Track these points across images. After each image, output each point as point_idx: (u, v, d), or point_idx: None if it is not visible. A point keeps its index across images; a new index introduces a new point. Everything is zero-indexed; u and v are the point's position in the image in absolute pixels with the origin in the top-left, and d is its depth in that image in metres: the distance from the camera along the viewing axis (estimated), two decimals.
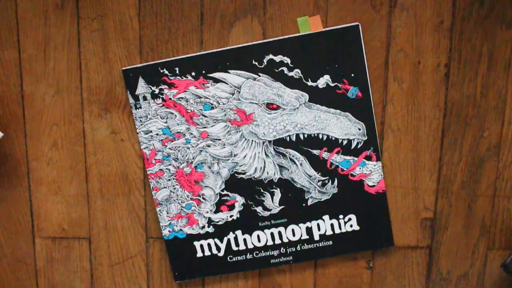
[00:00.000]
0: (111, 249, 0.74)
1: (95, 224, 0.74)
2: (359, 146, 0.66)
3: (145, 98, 0.65)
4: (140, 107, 0.65)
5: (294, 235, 0.69)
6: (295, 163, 0.66)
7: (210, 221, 0.68)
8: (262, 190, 0.68)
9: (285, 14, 0.67)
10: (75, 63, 0.69)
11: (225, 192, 0.68)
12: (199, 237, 0.69)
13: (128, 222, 0.73)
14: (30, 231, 0.74)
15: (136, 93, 0.65)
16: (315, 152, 0.66)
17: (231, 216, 0.68)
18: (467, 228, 0.73)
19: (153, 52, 0.68)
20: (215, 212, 0.68)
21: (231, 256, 0.69)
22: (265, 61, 0.64)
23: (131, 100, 0.64)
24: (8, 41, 0.68)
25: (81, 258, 0.75)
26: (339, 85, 0.64)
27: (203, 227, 0.68)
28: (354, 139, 0.66)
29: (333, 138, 0.65)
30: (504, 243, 0.74)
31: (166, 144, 0.66)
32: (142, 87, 0.64)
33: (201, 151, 0.66)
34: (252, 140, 0.66)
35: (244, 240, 0.69)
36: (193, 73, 0.64)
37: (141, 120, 0.65)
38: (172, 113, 0.65)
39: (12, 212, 0.73)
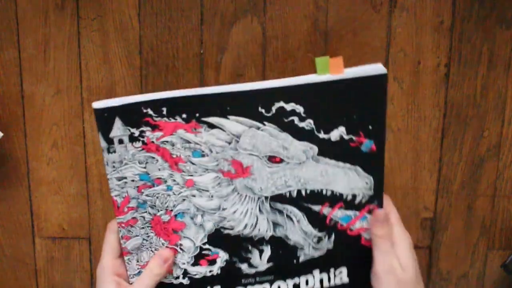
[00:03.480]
0: None
1: (95, 224, 0.74)
2: (363, 201, 0.58)
3: (121, 142, 0.53)
4: (114, 152, 0.53)
5: None
6: (291, 220, 0.58)
7: (186, 273, 0.59)
8: (250, 247, 0.59)
9: (285, 14, 0.67)
10: (75, 63, 0.69)
11: (207, 246, 0.58)
12: (171, 286, 0.59)
13: None
14: (30, 231, 0.74)
15: (110, 136, 0.53)
16: (316, 208, 0.58)
17: (210, 271, 0.59)
18: (467, 228, 0.73)
19: (153, 52, 0.68)
20: (193, 265, 0.59)
21: None
22: (273, 108, 0.54)
23: (103, 144, 0.52)
24: (8, 41, 0.68)
25: (81, 258, 0.75)
26: (353, 138, 0.55)
27: (177, 277, 0.59)
28: (359, 194, 0.58)
29: (338, 194, 0.58)
30: (504, 243, 0.74)
31: (142, 190, 0.55)
32: (118, 129, 0.53)
33: (184, 199, 0.56)
34: (246, 195, 0.57)
35: None
36: (184, 115, 0.53)
37: (113, 166, 0.54)
38: (154, 158, 0.54)
39: (12, 212, 0.73)
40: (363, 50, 0.68)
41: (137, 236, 0.57)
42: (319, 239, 0.60)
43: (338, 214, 0.59)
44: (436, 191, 0.72)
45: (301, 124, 0.55)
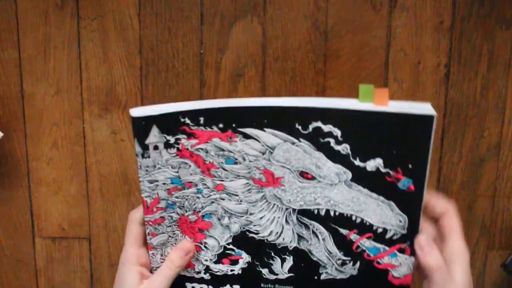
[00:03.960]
0: (111, 249, 0.74)
1: (95, 224, 0.74)
2: (394, 237, 0.56)
3: (156, 148, 0.55)
4: (149, 157, 0.55)
5: None
6: (317, 236, 0.58)
7: (208, 269, 0.61)
8: (273, 254, 0.59)
9: (285, 14, 0.67)
10: (75, 63, 0.69)
11: (231, 246, 0.59)
12: (192, 280, 0.61)
13: None
14: (30, 231, 0.74)
15: (145, 142, 0.54)
16: (343, 231, 0.57)
17: (231, 270, 0.60)
18: (467, 228, 0.73)
19: (153, 52, 0.68)
20: (216, 262, 0.60)
21: None
22: (310, 127, 0.53)
23: (138, 149, 0.54)
24: (8, 41, 0.68)
25: (81, 258, 0.75)
26: (391, 172, 0.54)
27: (199, 272, 0.61)
28: (391, 229, 0.56)
29: (368, 223, 0.56)
30: (504, 243, 0.74)
31: (173, 193, 0.57)
32: (154, 137, 0.54)
33: (212, 202, 0.58)
34: (274, 204, 0.57)
35: None
36: (220, 125, 0.54)
37: (146, 170, 0.55)
38: (186, 163, 0.56)
39: (12, 212, 0.73)
40: (363, 50, 0.68)
41: (163, 233, 0.59)
42: (343, 263, 0.59)
43: (366, 243, 0.58)
44: (436, 191, 0.72)
45: (337, 147, 0.54)
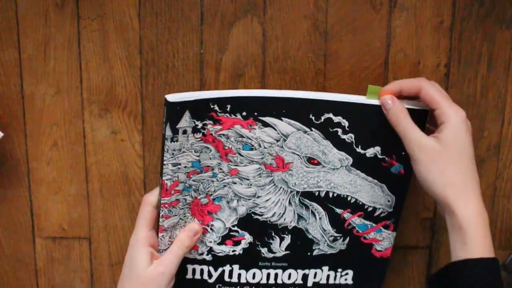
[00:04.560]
0: (111, 249, 0.74)
1: (95, 224, 0.74)
2: (382, 215, 0.65)
3: (184, 132, 0.59)
4: (177, 141, 0.59)
5: (289, 278, 0.67)
6: (314, 216, 0.64)
7: (210, 251, 0.66)
8: (273, 234, 0.65)
9: (285, 14, 0.67)
10: (75, 63, 0.69)
11: (235, 228, 0.65)
12: (194, 261, 0.66)
13: (128, 222, 0.73)
14: (30, 231, 0.74)
15: (177, 127, 0.58)
16: (338, 211, 0.64)
17: (233, 251, 0.66)
18: None
19: (153, 52, 0.68)
20: (219, 244, 0.65)
21: (221, 285, 0.67)
22: (323, 118, 0.60)
23: (169, 133, 0.58)
24: (8, 41, 0.68)
25: (81, 258, 0.75)
26: (386, 158, 0.62)
27: (202, 254, 0.66)
28: (379, 208, 0.64)
29: (360, 203, 0.64)
30: (504, 243, 0.74)
31: (191, 176, 0.61)
32: (185, 121, 0.58)
33: (224, 186, 0.62)
34: (281, 187, 0.63)
35: (239, 274, 0.66)
36: (244, 113, 0.60)
37: (173, 153, 0.59)
38: (208, 148, 0.61)
39: (12, 212, 0.73)
40: (363, 50, 0.68)
41: (175, 215, 0.62)
42: (335, 239, 0.66)
43: (356, 221, 0.65)
44: None
45: (343, 136, 0.61)
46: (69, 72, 0.69)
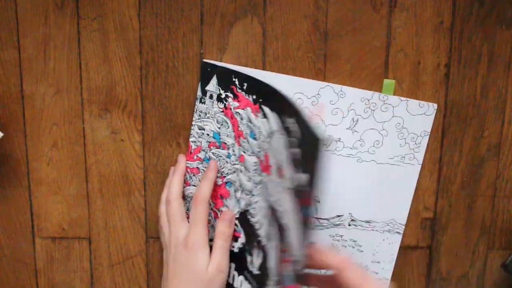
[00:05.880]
0: (111, 249, 0.74)
1: (95, 224, 0.74)
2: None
3: (211, 97, 0.62)
4: (204, 103, 0.62)
5: None
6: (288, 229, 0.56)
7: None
8: (254, 244, 0.59)
9: (285, 14, 0.67)
10: (75, 63, 0.69)
11: (237, 221, 0.62)
12: None
13: (128, 222, 0.73)
14: (30, 231, 0.74)
15: (206, 88, 0.62)
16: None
17: (232, 247, 0.62)
18: (467, 228, 0.73)
19: (153, 52, 0.68)
20: None
21: None
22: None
23: (199, 93, 0.63)
24: (8, 41, 0.68)
25: (81, 258, 0.75)
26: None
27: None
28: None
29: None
30: (504, 243, 0.74)
31: (211, 147, 0.62)
32: (212, 85, 0.62)
33: (234, 171, 0.61)
34: (265, 192, 0.57)
35: (233, 275, 0.62)
36: (254, 96, 0.58)
37: (200, 115, 0.62)
38: (227, 123, 0.61)
39: (12, 212, 0.73)
40: (363, 50, 0.68)
41: (194, 186, 0.64)
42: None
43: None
44: (436, 191, 0.72)
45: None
46: (69, 72, 0.69)
